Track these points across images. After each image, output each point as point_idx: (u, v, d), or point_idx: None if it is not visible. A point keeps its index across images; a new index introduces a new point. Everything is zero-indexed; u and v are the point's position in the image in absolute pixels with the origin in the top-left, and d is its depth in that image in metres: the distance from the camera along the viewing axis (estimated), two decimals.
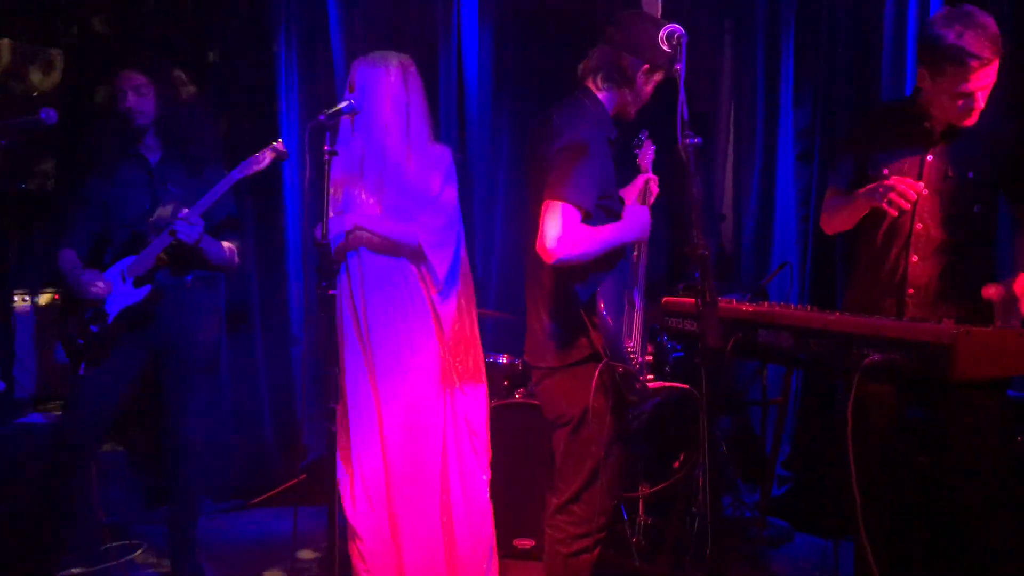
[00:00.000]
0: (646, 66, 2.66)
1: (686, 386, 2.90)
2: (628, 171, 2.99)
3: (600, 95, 2.72)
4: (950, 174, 2.71)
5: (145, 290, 3.34)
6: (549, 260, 2.51)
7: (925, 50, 2.66)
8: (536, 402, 3.73)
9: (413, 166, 3.16)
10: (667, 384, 2.85)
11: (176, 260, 3.38)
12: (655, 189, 2.94)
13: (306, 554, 3.89)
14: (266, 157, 3.24)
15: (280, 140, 3.26)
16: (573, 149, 2.56)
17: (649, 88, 2.73)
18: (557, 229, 2.49)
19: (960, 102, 2.62)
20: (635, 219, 2.70)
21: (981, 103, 2.62)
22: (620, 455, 2.77)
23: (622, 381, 2.66)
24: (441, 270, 3.13)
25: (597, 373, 2.61)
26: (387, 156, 3.13)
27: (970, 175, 2.69)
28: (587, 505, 2.70)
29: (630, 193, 2.93)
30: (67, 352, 3.37)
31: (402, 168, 3.13)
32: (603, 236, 2.58)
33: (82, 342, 3.34)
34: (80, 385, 3.39)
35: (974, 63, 2.53)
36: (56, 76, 4.66)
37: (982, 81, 2.57)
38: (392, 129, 3.13)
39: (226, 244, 3.49)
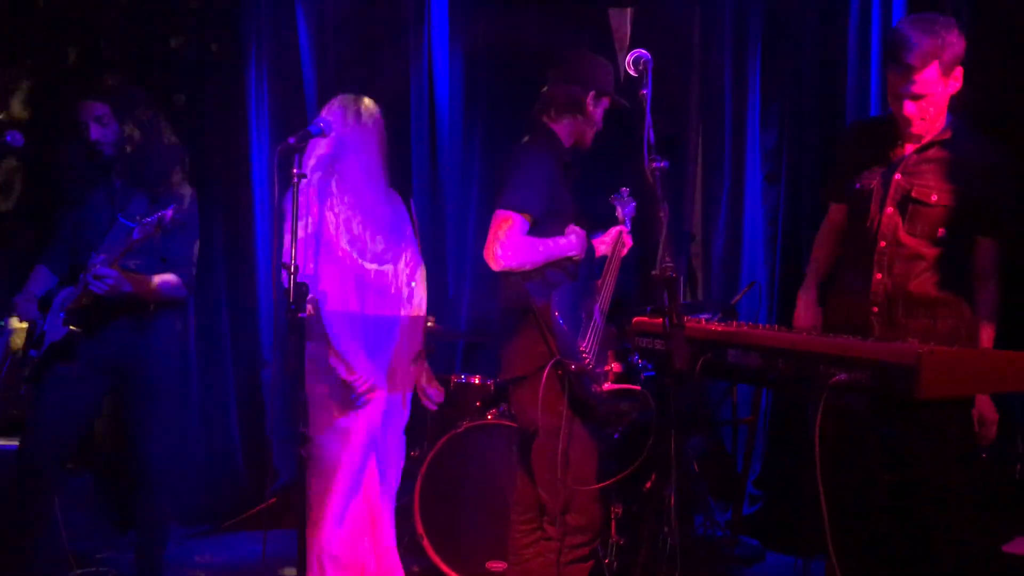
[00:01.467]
0: (592, 92, 2.94)
1: (638, 388, 3.01)
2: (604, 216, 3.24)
3: (555, 127, 2.96)
4: (913, 195, 2.74)
5: (64, 331, 3.30)
6: (495, 267, 2.76)
7: (883, 50, 2.77)
8: (508, 423, 3.75)
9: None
10: (622, 386, 2.92)
11: (99, 304, 3.28)
12: (628, 242, 3.15)
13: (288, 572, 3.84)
14: (167, 214, 3.14)
15: (171, 209, 3.18)
16: (521, 163, 2.83)
17: (599, 113, 2.98)
18: (501, 236, 2.74)
19: (903, 104, 2.66)
20: (576, 235, 2.92)
21: (925, 110, 2.65)
22: (586, 451, 2.85)
23: (575, 379, 2.75)
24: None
25: (548, 367, 2.74)
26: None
27: (933, 198, 2.71)
28: (582, 515, 2.77)
29: (603, 241, 3.13)
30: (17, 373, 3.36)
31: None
32: (543, 247, 2.81)
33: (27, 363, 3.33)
34: (38, 410, 3.35)
35: (915, 62, 2.57)
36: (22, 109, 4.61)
37: (924, 85, 2.60)
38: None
39: (164, 279, 3.40)
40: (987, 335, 2.75)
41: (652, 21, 4.74)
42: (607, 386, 2.84)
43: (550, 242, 2.84)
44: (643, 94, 2.30)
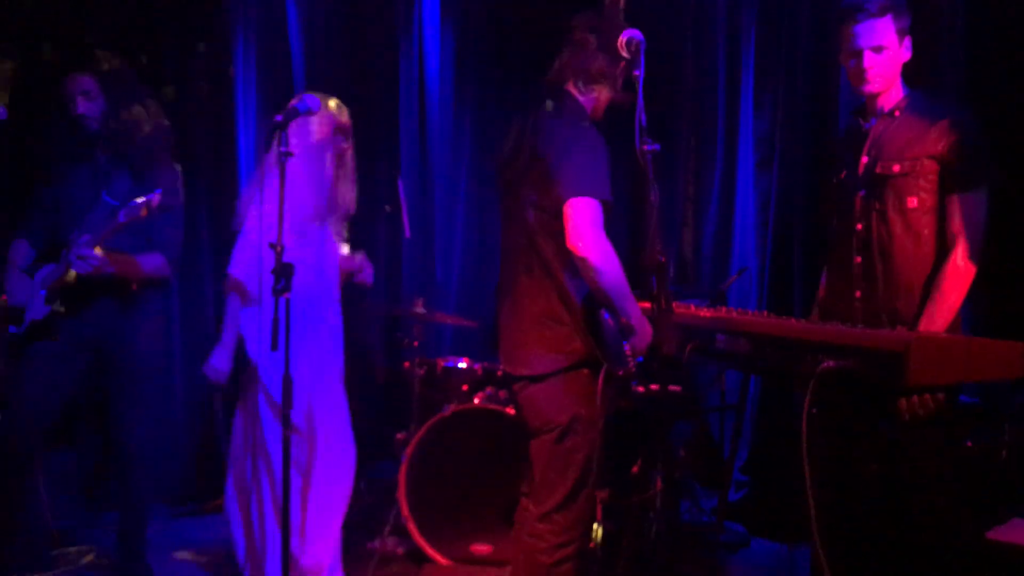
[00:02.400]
0: (622, 64, 2.65)
1: (678, 388, 2.88)
2: None
3: (581, 98, 2.72)
4: (877, 170, 2.73)
5: (47, 310, 3.28)
6: (586, 254, 2.45)
7: (837, 15, 2.78)
8: (495, 407, 3.74)
9: None
10: (662, 387, 2.80)
11: (81, 283, 3.25)
12: None
13: None
14: (155, 199, 3.10)
15: (157, 193, 3.11)
16: (582, 142, 2.55)
17: (621, 83, 2.71)
18: (596, 226, 2.45)
19: (852, 62, 2.70)
20: (647, 326, 2.59)
21: (872, 67, 2.68)
22: (599, 461, 2.72)
23: (620, 386, 2.65)
24: None
25: (601, 379, 2.56)
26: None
27: (895, 168, 2.69)
28: (570, 513, 2.66)
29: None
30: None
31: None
32: (626, 292, 2.51)
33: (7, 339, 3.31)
34: (17, 388, 3.33)
35: (859, 15, 2.63)
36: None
37: (867, 37, 2.65)
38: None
39: (149, 259, 3.37)
40: (932, 311, 2.61)
41: (645, 2, 4.71)
42: (649, 386, 2.71)
43: (632, 300, 2.54)
44: (635, 75, 2.27)
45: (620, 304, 2.50)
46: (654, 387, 2.73)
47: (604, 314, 2.56)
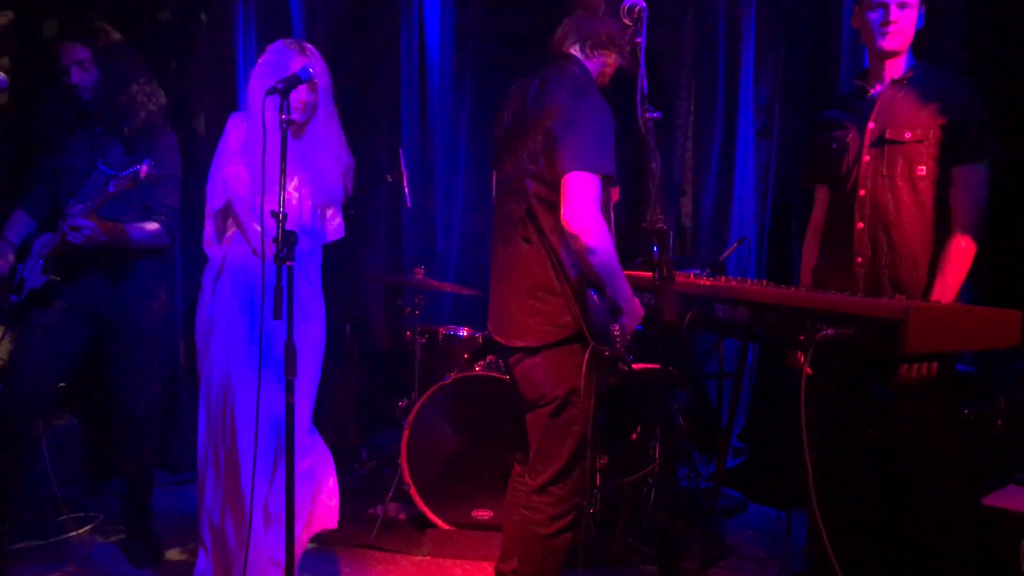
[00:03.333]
0: (631, 28, 2.51)
1: (670, 368, 2.83)
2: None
3: (587, 63, 2.66)
4: (887, 136, 2.74)
5: (44, 279, 3.29)
6: (578, 231, 2.41)
7: None
8: (496, 375, 3.77)
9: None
10: (651, 367, 2.78)
11: (77, 252, 3.24)
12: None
13: None
14: (143, 170, 3.06)
15: (146, 164, 3.07)
16: (586, 111, 2.48)
17: (628, 50, 2.63)
18: (592, 203, 2.40)
19: (876, 14, 2.70)
20: (637, 308, 2.59)
21: (899, 20, 2.69)
22: (593, 433, 2.72)
23: (608, 364, 2.61)
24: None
25: (586, 357, 2.54)
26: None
27: (907, 135, 2.71)
28: (566, 485, 2.67)
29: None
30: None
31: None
32: (617, 272, 2.49)
33: (7, 307, 3.33)
34: (19, 356, 3.35)
35: None
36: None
37: None
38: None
39: (143, 227, 3.36)
40: (941, 285, 2.65)
41: None
42: (637, 366, 2.68)
43: (626, 283, 2.53)
44: (637, 43, 2.26)
45: (610, 284, 2.48)
46: (644, 366, 2.71)
47: (591, 292, 2.52)
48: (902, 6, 2.69)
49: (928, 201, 2.71)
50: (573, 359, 2.59)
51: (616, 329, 2.55)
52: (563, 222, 2.42)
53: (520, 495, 2.78)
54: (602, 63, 2.67)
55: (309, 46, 3.07)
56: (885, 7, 2.70)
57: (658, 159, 2.17)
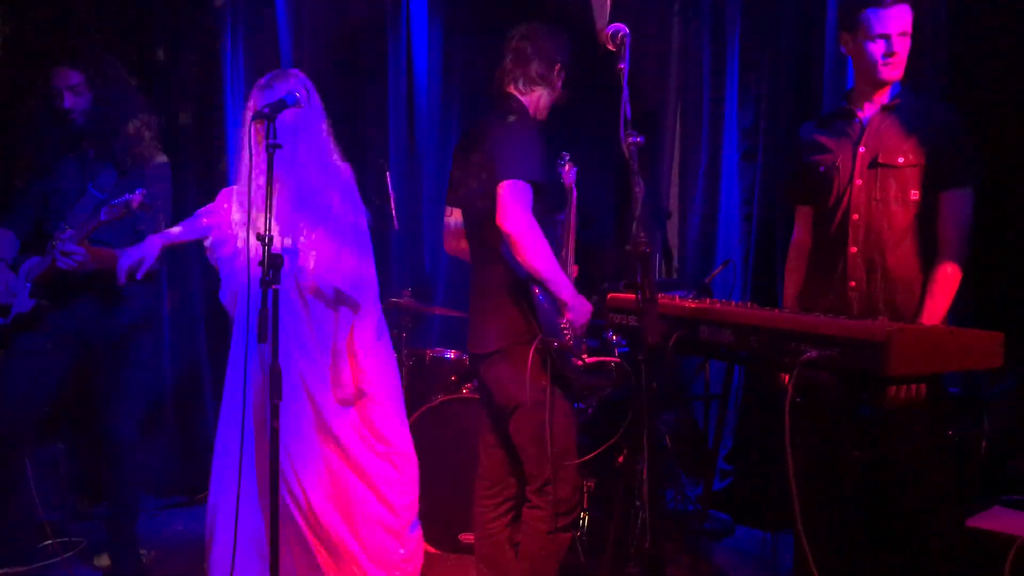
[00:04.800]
0: (559, 65, 2.97)
1: (618, 359, 3.01)
2: None
3: (523, 99, 2.96)
4: (880, 160, 2.76)
5: (32, 303, 3.29)
6: (512, 231, 2.68)
7: (843, 11, 2.84)
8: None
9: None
10: (601, 359, 2.91)
11: (66, 277, 3.25)
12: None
13: None
14: (136, 199, 3.10)
15: (140, 192, 3.11)
16: (516, 133, 2.80)
17: (559, 84, 3.00)
18: (522, 205, 2.69)
19: (878, 46, 2.72)
20: (583, 303, 2.86)
21: (901, 51, 2.72)
22: (568, 423, 2.89)
23: (558, 356, 2.78)
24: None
25: (533, 347, 2.75)
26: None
27: (900, 159, 2.74)
28: (562, 483, 2.82)
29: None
30: None
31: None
32: (553, 267, 2.75)
33: None
34: (5, 380, 3.33)
35: (882, 1, 2.68)
36: None
37: (897, 22, 2.70)
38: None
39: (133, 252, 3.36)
40: (930, 311, 2.68)
41: None
42: (587, 359, 2.85)
43: (563, 277, 2.79)
44: (621, 68, 2.29)
45: (549, 278, 2.74)
46: (593, 360, 2.85)
47: (534, 288, 2.75)
48: (903, 35, 2.72)
49: (921, 224, 2.75)
50: (536, 361, 2.79)
51: (564, 323, 2.79)
52: (498, 224, 2.70)
53: (487, 509, 3.05)
54: (536, 98, 2.99)
55: (295, 71, 3.17)
56: (888, 38, 2.71)
57: (641, 184, 2.20)
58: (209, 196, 4.73)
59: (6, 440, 3.31)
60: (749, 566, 3.82)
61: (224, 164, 4.81)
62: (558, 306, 2.79)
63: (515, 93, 2.97)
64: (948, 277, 2.70)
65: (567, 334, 2.79)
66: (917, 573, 2.68)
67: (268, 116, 2.55)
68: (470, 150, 2.96)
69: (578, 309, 2.81)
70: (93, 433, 3.54)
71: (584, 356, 2.86)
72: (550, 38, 2.97)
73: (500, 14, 4.82)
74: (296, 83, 3.05)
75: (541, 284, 2.75)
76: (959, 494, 2.92)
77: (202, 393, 4.89)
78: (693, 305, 2.65)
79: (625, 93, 2.24)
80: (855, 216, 2.80)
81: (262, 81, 3.07)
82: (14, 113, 4.10)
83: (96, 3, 4.61)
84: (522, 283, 2.78)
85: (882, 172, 2.76)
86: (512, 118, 2.87)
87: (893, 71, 2.76)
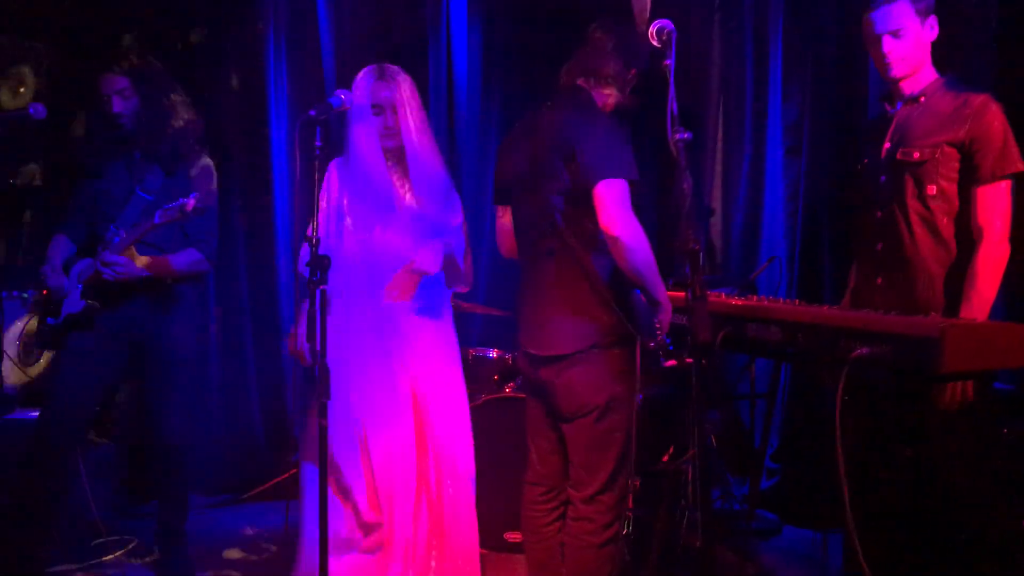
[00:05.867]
0: (634, 71, 2.81)
1: (690, 360, 2.93)
2: None
3: (595, 95, 2.79)
4: (898, 156, 2.73)
5: (82, 304, 3.34)
6: (618, 234, 2.54)
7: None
8: (524, 396, 3.76)
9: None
10: (678, 361, 2.85)
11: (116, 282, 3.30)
12: None
13: None
14: (190, 203, 3.14)
15: (194, 197, 3.17)
16: (605, 129, 2.64)
17: (628, 91, 2.85)
18: (627, 207, 2.56)
19: (875, 49, 2.73)
20: (669, 302, 2.73)
21: (892, 51, 2.70)
22: (636, 436, 2.80)
23: (651, 358, 2.69)
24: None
25: (638, 352, 2.66)
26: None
27: (915, 155, 2.69)
28: (613, 493, 2.74)
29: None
30: (38, 341, 3.41)
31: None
32: (655, 268, 2.62)
33: (45, 329, 3.38)
34: (57, 380, 3.40)
35: (874, 2, 2.68)
36: (28, 94, 4.60)
37: (884, 23, 2.68)
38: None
39: (184, 257, 3.44)
40: (976, 300, 2.59)
41: None
42: (667, 363, 2.76)
43: (659, 280, 2.67)
44: (667, 64, 2.28)
45: (650, 280, 2.60)
46: (677, 363, 2.78)
47: (636, 291, 2.66)
48: (895, 34, 2.69)
49: (942, 220, 2.69)
50: (612, 364, 2.68)
51: (657, 324, 2.68)
52: (602, 227, 2.55)
53: (541, 514, 2.93)
54: (607, 97, 2.82)
55: (392, 68, 3.21)
56: (877, 41, 2.72)
57: (689, 179, 2.18)
58: (252, 199, 4.83)
59: (61, 441, 3.37)
60: (797, 566, 3.78)
61: (269, 171, 4.86)
62: (652, 307, 2.68)
63: (585, 87, 2.80)
64: (991, 261, 2.61)
65: (660, 334, 2.68)
66: (970, 573, 2.64)
67: (315, 120, 2.58)
68: (531, 139, 2.81)
69: (668, 308, 2.68)
70: (143, 432, 3.59)
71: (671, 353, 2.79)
72: (632, 39, 2.78)
73: (540, 16, 4.83)
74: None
75: (641, 286, 2.63)
76: (1015, 493, 2.87)
77: (248, 391, 4.94)
78: (739, 303, 2.64)
79: (672, 90, 2.23)
80: (879, 213, 2.78)
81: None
82: (69, 120, 4.21)
83: (140, 26, 4.67)
84: (613, 284, 2.66)
85: (900, 168, 2.73)
86: (595, 111, 2.72)
87: (895, 69, 2.74)
